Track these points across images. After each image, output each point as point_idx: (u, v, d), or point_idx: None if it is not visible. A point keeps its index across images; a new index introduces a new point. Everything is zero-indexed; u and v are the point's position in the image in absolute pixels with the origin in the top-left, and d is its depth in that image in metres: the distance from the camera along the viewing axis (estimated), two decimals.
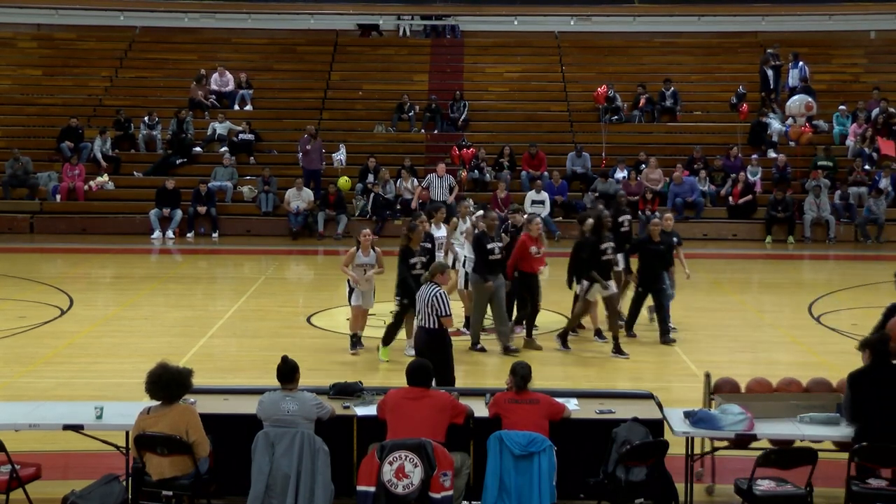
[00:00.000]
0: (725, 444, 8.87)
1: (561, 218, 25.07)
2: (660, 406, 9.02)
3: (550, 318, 15.55)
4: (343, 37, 32.98)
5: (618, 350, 13.80)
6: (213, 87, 29.53)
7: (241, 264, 22.88)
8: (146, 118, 27.98)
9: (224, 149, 27.34)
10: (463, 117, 29.03)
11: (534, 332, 14.32)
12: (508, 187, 25.23)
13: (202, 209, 25.11)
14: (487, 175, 26.49)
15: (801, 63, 28.92)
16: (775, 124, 28.02)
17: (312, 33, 32.87)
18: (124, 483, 8.37)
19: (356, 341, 13.93)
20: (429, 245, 13.79)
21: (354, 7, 32.98)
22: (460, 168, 26.06)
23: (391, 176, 26.05)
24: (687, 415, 8.65)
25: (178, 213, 25.10)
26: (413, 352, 12.64)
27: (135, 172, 27.09)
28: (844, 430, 8.50)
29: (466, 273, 14.44)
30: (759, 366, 13.33)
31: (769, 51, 29.82)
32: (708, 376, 9.33)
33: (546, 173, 26.16)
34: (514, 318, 14.53)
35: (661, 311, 14.52)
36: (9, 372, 13.05)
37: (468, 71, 31.56)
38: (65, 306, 16.91)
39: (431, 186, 23.10)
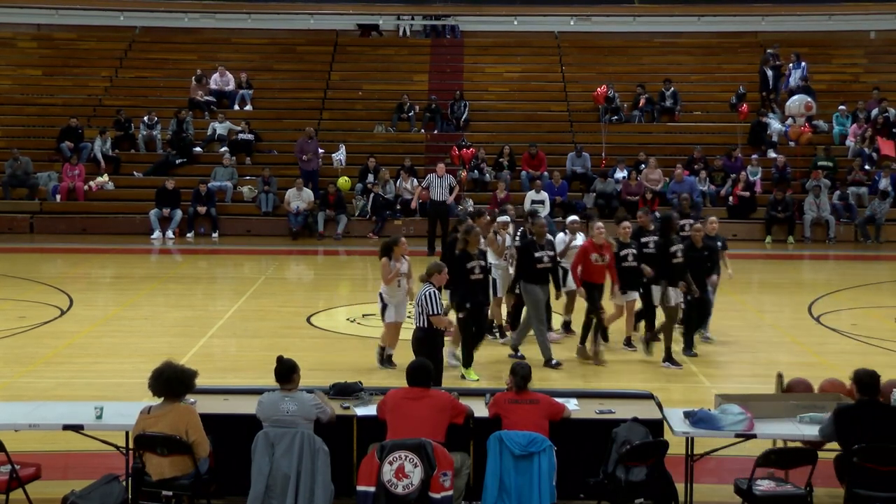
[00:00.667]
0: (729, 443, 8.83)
1: (560, 217, 25.04)
2: (660, 406, 9.02)
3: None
4: (343, 37, 32.99)
5: (669, 359, 13.16)
6: (213, 86, 29.53)
7: (241, 264, 22.88)
8: (146, 118, 27.98)
9: (224, 149, 27.34)
10: (463, 117, 29.04)
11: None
12: (508, 187, 25.24)
13: (202, 209, 25.11)
14: (487, 175, 26.50)
15: (802, 63, 28.94)
16: (775, 124, 28.03)
17: (312, 33, 32.88)
18: (124, 483, 8.36)
19: (387, 358, 12.90)
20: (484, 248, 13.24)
21: (354, 7, 32.99)
22: (460, 168, 26.06)
23: (391, 176, 26.05)
24: (687, 415, 8.64)
25: (178, 214, 25.10)
26: (455, 361, 12.63)
27: (135, 172, 27.09)
28: None
29: (494, 280, 13.88)
30: (759, 366, 13.36)
31: (769, 51, 29.84)
32: (780, 376, 9.08)
33: (546, 173, 26.16)
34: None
35: (691, 322, 13.75)
36: (9, 372, 13.04)
37: (468, 71, 31.57)
38: (65, 306, 16.90)
39: (431, 186, 23.11)
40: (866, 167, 26.56)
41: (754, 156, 27.01)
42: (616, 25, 32.97)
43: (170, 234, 24.96)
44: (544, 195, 24.68)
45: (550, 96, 30.52)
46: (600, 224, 13.39)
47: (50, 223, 25.64)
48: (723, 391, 9.66)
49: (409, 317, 12.75)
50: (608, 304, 13.80)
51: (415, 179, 25.66)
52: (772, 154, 27.33)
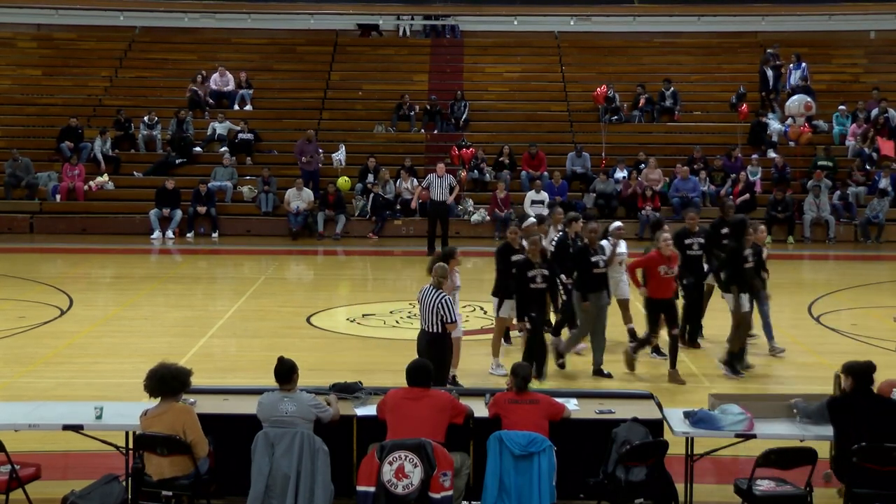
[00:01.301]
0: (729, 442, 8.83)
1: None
2: (659, 406, 9.01)
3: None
4: (343, 37, 32.99)
5: (730, 366, 12.85)
6: (213, 86, 29.53)
7: (241, 264, 22.88)
8: (146, 118, 27.97)
9: (224, 149, 27.34)
10: (463, 117, 29.03)
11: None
12: (508, 187, 25.24)
13: (202, 209, 25.10)
14: (487, 175, 26.50)
15: (802, 63, 28.93)
16: (775, 124, 28.02)
17: (312, 33, 32.87)
18: (124, 483, 8.36)
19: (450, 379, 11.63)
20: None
21: (354, 7, 32.98)
22: (460, 168, 26.06)
23: (391, 176, 26.05)
24: (687, 415, 8.65)
25: (178, 213, 25.10)
26: (502, 371, 12.38)
27: (135, 172, 27.09)
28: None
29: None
30: (759, 366, 13.35)
31: (769, 51, 29.83)
32: (838, 377, 8.96)
33: (546, 173, 26.15)
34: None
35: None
36: (9, 372, 13.04)
37: (468, 71, 31.56)
38: (65, 306, 16.90)
39: (431, 186, 23.09)
40: (866, 167, 26.56)
41: (754, 156, 27.01)
42: (616, 25, 32.96)
43: (170, 234, 24.96)
44: (544, 195, 24.68)
45: (550, 96, 30.52)
46: (667, 235, 12.70)
47: (50, 223, 25.63)
48: (723, 391, 9.67)
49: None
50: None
51: (415, 179, 25.65)
52: (772, 154, 27.32)
